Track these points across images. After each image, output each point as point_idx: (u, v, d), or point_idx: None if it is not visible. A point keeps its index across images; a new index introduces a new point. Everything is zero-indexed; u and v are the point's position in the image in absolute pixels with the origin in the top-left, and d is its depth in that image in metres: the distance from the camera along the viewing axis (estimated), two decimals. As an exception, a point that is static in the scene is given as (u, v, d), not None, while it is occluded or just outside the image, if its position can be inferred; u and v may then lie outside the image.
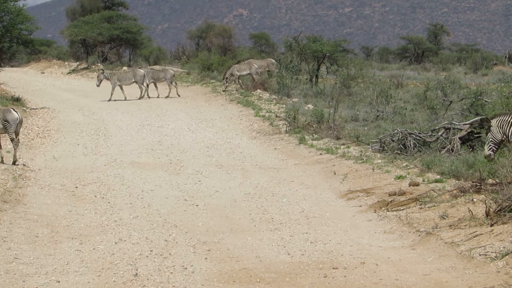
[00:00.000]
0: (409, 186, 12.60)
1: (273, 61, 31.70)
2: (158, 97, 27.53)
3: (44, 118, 22.62)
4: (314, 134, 18.72)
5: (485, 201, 9.93)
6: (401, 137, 15.87)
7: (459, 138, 15.18)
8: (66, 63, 42.79)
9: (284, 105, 23.90)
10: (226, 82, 28.55)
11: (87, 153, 17.10)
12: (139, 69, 28.32)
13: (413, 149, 15.58)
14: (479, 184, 10.96)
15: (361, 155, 15.82)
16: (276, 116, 21.88)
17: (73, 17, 47.47)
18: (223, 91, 28.37)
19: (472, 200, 10.56)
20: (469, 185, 11.14)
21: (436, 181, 12.66)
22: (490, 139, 11.85)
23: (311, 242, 9.71)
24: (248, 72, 29.25)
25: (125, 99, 26.82)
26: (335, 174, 14.64)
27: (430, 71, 42.26)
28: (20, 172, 14.19)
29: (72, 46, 46.01)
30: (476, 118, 15.69)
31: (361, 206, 12.04)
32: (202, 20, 66.40)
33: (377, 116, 21.35)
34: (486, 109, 17.46)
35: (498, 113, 12.26)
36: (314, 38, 32.43)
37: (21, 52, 45.87)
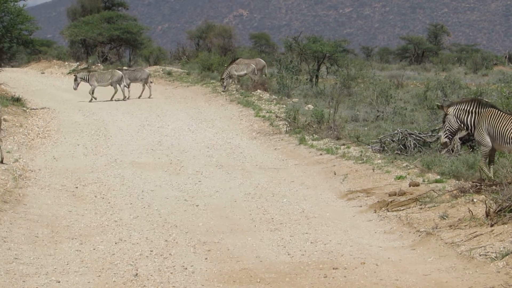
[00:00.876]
0: (409, 186, 12.60)
1: (262, 61, 31.81)
2: (128, 98, 27.48)
3: (44, 118, 22.62)
4: (314, 135, 18.72)
5: (485, 201, 9.93)
6: (401, 138, 15.87)
7: (459, 138, 15.17)
8: (66, 63, 42.79)
9: (284, 106, 23.91)
10: (224, 82, 28.66)
11: (87, 153, 17.10)
12: (117, 71, 28.40)
13: (413, 149, 15.58)
14: (479, 184, 10.97)
15: (361, 155, 15.82)
16: (276, 117, 21.88)
17: (73, 17, 47.51)
18: (222, 91, 28.43)
19: (472, 200, 10.56)
20: (469, 185, 11.14)
21: (436, 181, 12.66)
22: (447, 128, 12.29)
23: (311, 242, 9.71)
24: (245, 72, 29.36)
25: (91, 101, 26.87)
26: (335, 174, 14.64)
27: (430, 71, 42.27)
28: (20, 172, 14.20)
29: (72, 47, 46.03)
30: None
31: (361, 206, 12.04)
32: (202, 20, 66.42)
33: (377, 116, 21.35)
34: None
35: (455, 101, 12.62)
36: (314, 39, 32.46)
37: (21, 52, 45.86)
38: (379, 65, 46.61)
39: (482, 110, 11.83)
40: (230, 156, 17.02)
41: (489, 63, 45.47)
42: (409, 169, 14.00)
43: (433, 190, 11.70)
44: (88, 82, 27.36)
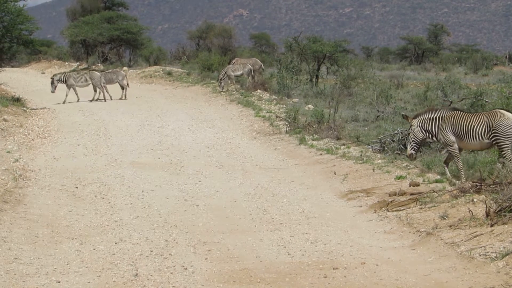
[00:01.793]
0: (409, 186, 12.60)
1: (258, 61, 31.86)
2: (110, 99, 27.47)
3: (44, 118, 22.62)
4: (314, 135, 18.72)
5: (485, 201, 9.93)
6: (402, 138, 15.88)
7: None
8: (66, 63, 42.85)
9: (284, 106, 23.92)
10: (221, 83, 28.71)
11: (88, 154, 17.10)
12: (95, 71, 28.40)
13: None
14: (479, 185, 10.97)
15: (361, 155, 15.82)
16: (276, 117, 21.88)
17: (73, 18, 47.56)
18: (220, 92, 28.47)
19: (472, 200, 10.56)
20: (469, 185, 11.14)
21: (437, 181, 12.67)
22: (412, 139, 12.74)
23: (311, 242, 9.71)
24: (242, 72, 29.43)
25: (78, 101, 26.89)
26: (335, 174, 14.64)
27: (430, 71, 42.32)
28: (20, 172, 14.20)
29: (72, 47, 46.08)
30: None
31: (361, 206, 12.03)
32: (202, 20, 66.41)
33: (377, 116, 21.36)
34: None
35: (419, 113, 13.11)
36: (314, 39, 32.50)
37: (21, 53, 45.82)
38: (379, 65, 46.63)
39: (445, 115, 12.31)
40: (230, 156, 17.02)
41: (489, 63, 45.50)
42: (409, 169, 14.00)
43: (433, 190, 11.71)
44: (66, 83, 27.32)
